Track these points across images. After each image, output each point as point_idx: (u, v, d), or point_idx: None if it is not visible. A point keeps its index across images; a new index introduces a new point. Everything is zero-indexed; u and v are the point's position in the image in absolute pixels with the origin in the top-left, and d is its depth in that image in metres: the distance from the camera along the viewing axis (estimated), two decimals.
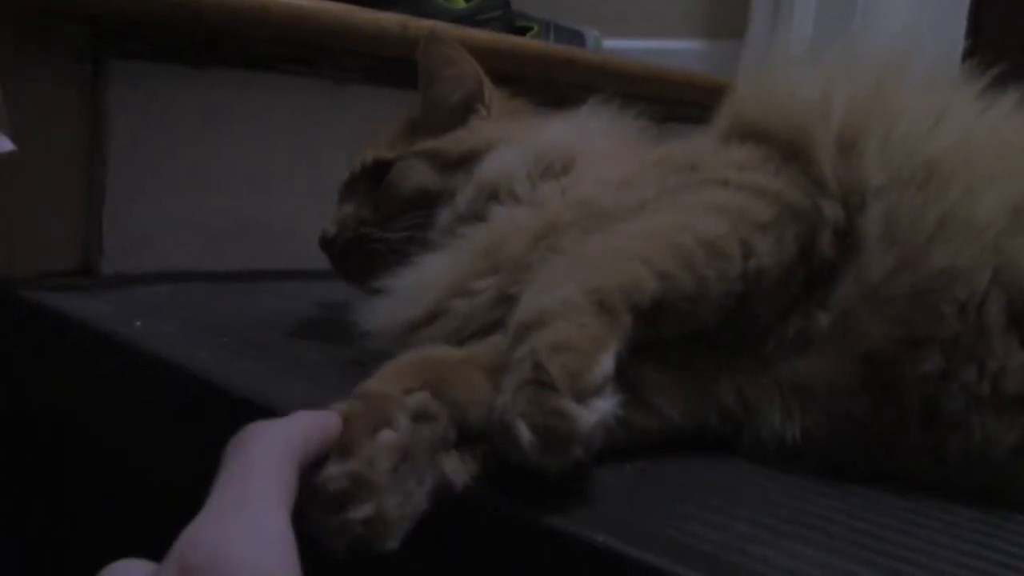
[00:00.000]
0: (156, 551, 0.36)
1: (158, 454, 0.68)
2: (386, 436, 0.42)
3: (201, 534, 0.33)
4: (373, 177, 0.73)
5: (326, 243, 0.73)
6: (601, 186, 0.62)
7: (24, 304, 0.80)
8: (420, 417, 0.45)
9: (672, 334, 0.53)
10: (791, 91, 0.59)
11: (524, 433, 0.42)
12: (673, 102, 1.24)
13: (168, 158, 0.94)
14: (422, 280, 0.62)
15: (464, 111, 0.74)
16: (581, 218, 0.59)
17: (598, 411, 0.43)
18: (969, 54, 0.64)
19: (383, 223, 0.70)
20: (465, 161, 0.70)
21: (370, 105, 1.04)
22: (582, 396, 0.43)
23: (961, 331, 0.49)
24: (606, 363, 0.45)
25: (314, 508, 0.40)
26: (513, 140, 0.69)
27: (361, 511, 0.40)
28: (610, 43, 1.70)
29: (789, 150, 0.56)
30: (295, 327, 0.78)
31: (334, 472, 0.40)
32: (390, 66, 1.01)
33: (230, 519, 0.34)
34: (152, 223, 0.93)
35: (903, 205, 0.51)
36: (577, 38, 1.54)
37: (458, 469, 0.45)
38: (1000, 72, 0.58)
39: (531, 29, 1.42)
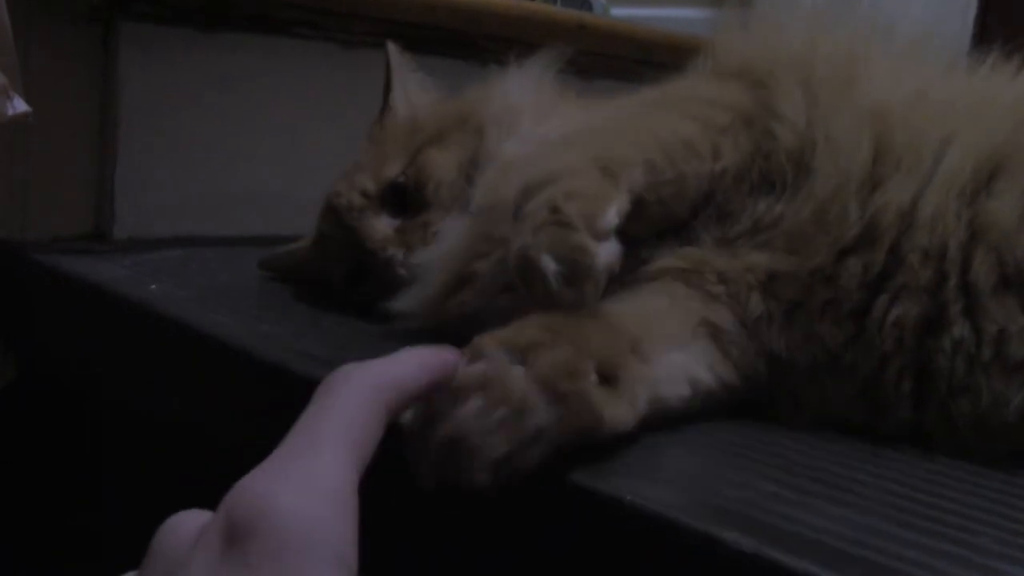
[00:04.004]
0: (173, 508, 0.35)
1: (177, 416, 0.68)
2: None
3: (253, 483, 0.32)
4: (391, 198, 0.71)
5: (387, 262, 0.68)
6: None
7: (39, 268, 0.80)
8: (529, 348, 0.43)
9: (646, 232, 0.55)
10: (776, 35, 0.63)
11: (550, 265, 0.45)
12: (683, 69, 1.23)
13: (179, 122, 0.93)
14: (443, 250, 0.63)
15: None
16: None
17: (610, 251, 0.47)
18: (979, 31, 0.66)
19: (435, 219, 0.68)
20: (463, 122, 0.72)
21: (383, 69, 1.03)
22: (597, 236, 0.46)
23: (936, 282, 0.51)
24: (613, 212, 0.48)
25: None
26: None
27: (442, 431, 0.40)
28: (617, 11, 1.69)
29: (759, 83, 0.60)
30: (310, 291, 0.78)
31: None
32: (402, 30, 1.00)
33: (287, 468, 0.33)
34: (164, 187, 0.93)
35: (848, 145, 0.54)
36: (584, 5, 1.53)
37: (611, 402, 0.43)
38: (1008, 52, 0.59)
39: None
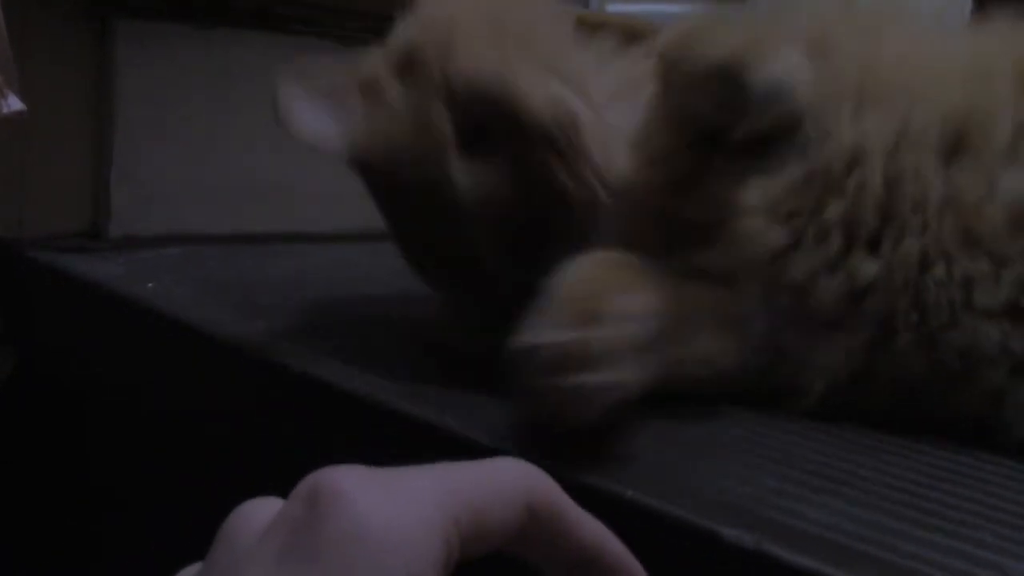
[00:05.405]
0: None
1: (175, 414, 0.68)
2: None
3: (342, 473, 0.28)
4: None
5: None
6: None
7: (35, 266, 0.80)
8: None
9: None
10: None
11: (763, 73, 0.48)
12: None
13: (176, 118, 0.93)
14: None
15: None
16: None
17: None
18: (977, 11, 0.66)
19: None
20: None
21: None
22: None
23: (922, 227, 0.52)
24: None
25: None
26: None
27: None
28: (613, 7, 1.68)
29: None
30: (308, 289, 0.78)
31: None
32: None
33: (381, 476, 0.28)
34: (159, 185, 0.93)
35: (844, 73, 0.56)
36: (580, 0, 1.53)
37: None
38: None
39: None
